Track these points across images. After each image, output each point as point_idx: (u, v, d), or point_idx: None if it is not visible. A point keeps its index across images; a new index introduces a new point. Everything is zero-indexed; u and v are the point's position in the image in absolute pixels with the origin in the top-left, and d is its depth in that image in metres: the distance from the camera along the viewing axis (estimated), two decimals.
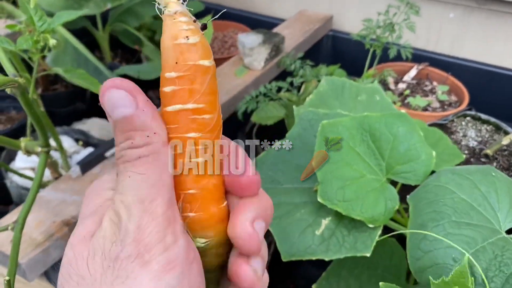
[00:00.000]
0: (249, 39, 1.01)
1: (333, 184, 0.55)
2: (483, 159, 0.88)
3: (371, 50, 0.98)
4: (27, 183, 0.84)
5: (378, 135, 0.57)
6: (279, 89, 0.91)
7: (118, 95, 0.25)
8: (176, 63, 0.25)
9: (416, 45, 1.19)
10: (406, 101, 1.01)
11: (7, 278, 0.42)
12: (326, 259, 0.53)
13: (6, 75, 0.45)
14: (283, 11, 1.34)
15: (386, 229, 0.63)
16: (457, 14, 1.11)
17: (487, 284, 0.39)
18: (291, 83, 0.92)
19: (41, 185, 0.80)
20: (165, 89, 0.25)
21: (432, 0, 1.11)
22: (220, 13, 0.37)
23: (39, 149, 0.54)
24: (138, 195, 0.24)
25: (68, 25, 1.12)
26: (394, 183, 0.59)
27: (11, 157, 0.90)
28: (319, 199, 0.54)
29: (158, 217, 0.24)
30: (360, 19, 1.00)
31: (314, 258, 0.53)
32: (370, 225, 0.52)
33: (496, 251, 0.46)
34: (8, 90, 0.41)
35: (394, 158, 0.56)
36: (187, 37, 0.25)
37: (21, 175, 0.80)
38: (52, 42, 0.50)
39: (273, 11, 1.37)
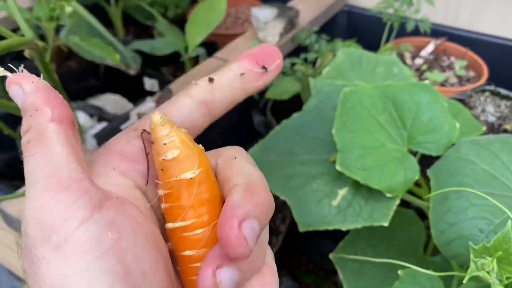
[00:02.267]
0: (263, 13, 0.99)
1: (352, 152, 0.54)
2: (502, 135, 0.86)
3: (388, 24, 0.96)
4: None
5: (401, 104, 0.56)
6: (293, 66, 0.90)
7: (13, 91, 0.24)
8: (164, 181, 0.24)
9: (435, 20, 1.16)
10: (423, 76, 0.99)
11: None
12: (343, 229, 0.52)
13: None
14: None
15: (404, 203, 0.63)
16: None
17: None
18: (305, 59, 0.90)
19: None
20: (161, 206, 0.25)
21: None
22: None
23: None
24: (33, 178, 0.22)
25: (81, 1, 1.11)
26: (414, 154, 0.58)
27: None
28: (337, 167, 0.53)
29: (58, 194, 0.21)
30: None
31: (331, 228, 0.53)
32: (388, 195, 0.52)
33: None
34: (26, 53, 0.41)
35: (416, 128, 0.55)
36: (165, 152, 0.24)
37: None
38: (68, 9, 0.50)
39: None
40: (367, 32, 1.18)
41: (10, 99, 0.25)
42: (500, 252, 0.35)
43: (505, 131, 0.86)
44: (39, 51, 0.43)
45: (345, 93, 0.57)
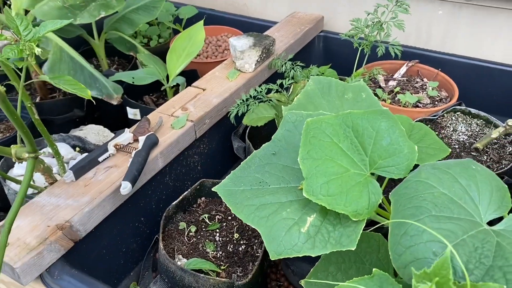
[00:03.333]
0: (240, 42, 1.03)
1: (318, 179, 0.56)
2: (473, 153, 0.89)
3: (360, 49, 0.99)
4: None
5: (361, 131, 0.58)
6: (269, 91, 0.92)
7: None
8: None
9: (407, 43, 1.20)
10: (396, 98, 1.02)
11: None
12: (313, 255, 0.54)
13: None
14: (276, 14, 1.35)
15: (374, 223, 0.64)
16: (446, 11, 1.12)
17: (467, 276, 0.40)
18: (281, 85, 0.93)
19: (38, 191, 0.82)
20: None
21: None
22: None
23: (26, 155, 0.55)
24: None
25: (64, 34, 1.14)
26: (381, 178, 0.60)
27: (9, 164, 0.92)
28: (304, 194, 0.55)
29: None
30: (351, 17, 1.01)
31: (301, 255, 0.54)
32: (354, 219, 0.53)
33: (477, 244, 0.46)
34: None
35: (377, 153, 0.57)
36: None
37: (17, 181, 0.81)
38: (37, 50, 0.52)
39: (266, 15, 1.38)
40: (343, 55, 1.21)
41: None
42: (438, 278, 0.37)
43: (476, 149, 0.88)
44: (2, 96, 0.45)
45: (307, 123, 0.59)
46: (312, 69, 1.05)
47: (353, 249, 0.52)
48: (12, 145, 0.58)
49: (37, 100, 1.16)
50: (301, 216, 0.57)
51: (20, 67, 0.54)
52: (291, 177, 0.63)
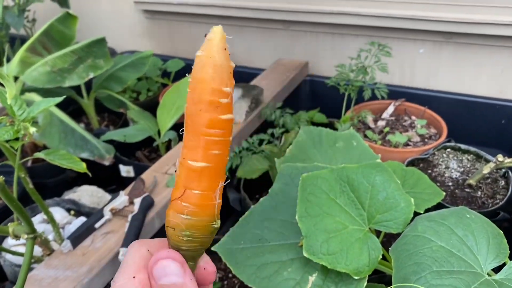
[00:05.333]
0: None
1: (317, 237, 0.56)
2: (467, 189, 0.90)
3: (347, 93, 1.01)
4: (20, 260, 0.84)
5: (357, 185, 0.59)
6: (261, 142, 0.93)
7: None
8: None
9: (393, 82, 1.23)
10: (386, 139, 1.04)
11: None
12: None
13: None
14: (261, 61, 1.39)
15: (377, 272, 0.64)
16: (427, 49, 1.15)
17: None
18: (272, 134, 0.94)
19: (35, 260, 0.80)
20: None
21: (401, 38, 1.16)
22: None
23: (25, 236, 0.55)
24: None
25: (53, 96, 1.15)
26: (378, 231, 0.60)
27: (4, 235, 0.91)
28: (304, 254, 0.55)
29: None
30: (335, 62, 1.04)
31: None
32: (356, 277, 0.53)
33: None
34: None
35: (374, 207, 0.58)
36: None
37: (13, 253, 0.80)
38: (32, 130, 0.52)
39: (251, 62, 1.41)
40: (330, 98, 1.23)
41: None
42: None
43: (470, 186, 0.89)
44: (1, 185, 0.45)
45: (303, 178, 0.60)
46: (301, 115, 1.07)
47: None
48: (9, 223, 0.58)
49: (29, 164, 1.15)
50: (302, 276, 0.57)
51: (16, 148, 0.54)
52: (290, 233, 0.63)
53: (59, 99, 0.55)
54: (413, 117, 1.11)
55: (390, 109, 1.12)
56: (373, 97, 1.07)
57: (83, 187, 1.09)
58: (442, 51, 1.13)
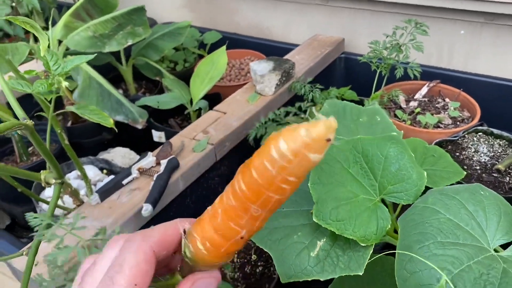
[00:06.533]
0: (260, 67, 1.06)
1: (327, 204, 0.57)
2: (495, 174, 0.88)
3: (378, 71, 1.00)
4: (56, 211, 0.90)
5: (370, 156, 0.60)
6: (288, 114, 0.94)
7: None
8: None
9: (429, 63, 1.20)
10: (416, 119, 1.02)
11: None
12: (322, 279, 0.55)
13: (17, 118, 0.51)
14: (298, 37, 1.38)
15: (389, 246, 0.65)
16: (468, 31, 1.12)
17: None
18: (299, 108, 0.95)
19: (68, 212, 0.86)
20: None
21: (440, 18, 1.12)
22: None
23: (53, 181, 0.59)
24: None
25: (94, 62, 1.20)
26: (396, 204, 0.60)
27: (42, 187, 0.97)
28: (314, 219, 0.56)
29: None
30: (372, 40, 1.03)
31: (310, 279, 0.55)
32: (362, 244, 0.54)
33: (482, 270, 0.46)
34: (19, 132, 0.47)
35: (386, 178, 0.58)
36: None
37: (48, 203, 0.86)
38: (64, 84, 0.56)
39: (288, 38, 1.41)
40: (364, 77, 1.22)
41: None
42: None
43: (498, 170, 0.87)
44: (30, 129, 0.49)
45: None
46: (331, 91, 1.07)
47: (361, 273, 0.53)
48: (41, 171, 0.62)
49: (69, 124, 1.22)
50: (311, 240, 0.58)
51: (49, 100, 0.58)
52: (304, 201, 0.64)
53: (90, 57, 0.58)
54: (447, 100, 1.09)
55: (424, 90, 1.10)
56: (405, 78, 1.05)
57: (117, 148, 1.14)
58: (482, 33, 1.09)
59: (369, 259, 0.66)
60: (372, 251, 0.55)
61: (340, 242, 0.57)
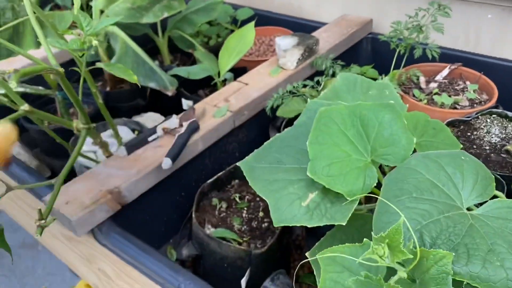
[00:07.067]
0: (284, 41, 1.11)
1: (321, 161, 0.63)
2: (503, 155, 0.90)
3: (398, 50, 1.03)
4: (88, 163, 1.00)
5: (367, 121, 0.64)
6: (305, 87, 1.00)
7: None
8: None
9: (455, 46, 1.21)
10: (433, 100, 1.04)
11: (39, 208, 0.55)
12: (309, 226, 0.61)
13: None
14: (328, 16, 1.42)
15: None
16: (495, 15, 1.12)
17: (417, 244, 0.45)
18: (318, 82, 1.00)
19: (98, 162, 0.96)
20: None
21: (467, 1, 1.13)
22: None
23: (81, 126, 0.68)
24: None
25: (133, 32, 1.29)
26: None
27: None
28: (308, 173, 0.62)
29: None
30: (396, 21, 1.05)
31: (299, 225, 0.61)
32: (349, 198, 0.60)
33: (450, 224, 0.51)
34: (52, 76, 0.55)
35: (378, 142, 0.63)
36: None
37: (84, 156, 0.96)
38: (94, 42, 0.64)
39: (319, 16, 1.45)
40: (388, 58, 1.24)
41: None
42: (388, 240, 0.42)
43: (507, 151, 0.89)
44: (61, 75, 0.57)
45: (320, 112, 0.66)
46: (353, 68, 1.10)
47: (344, 223, 0.59)
48: (74, 120, 0.71)
49: (107, 89, 1.32)
50: (305, 193, 0.64)
51: (81, 55, 0.67)
52: (305, 159, 0.70)
53: (117, 18, 0.66)
54: (468, 82, 1.10)
55: (445, 72, 1.12)
56: (426, 60, 1.07)
57: (149, 113, 1.23)
58: (510, 17, 1.09)
59: (363, 221, 0.71)
60: (356, 205, 0.60)
61: (330, 196, 0.62)
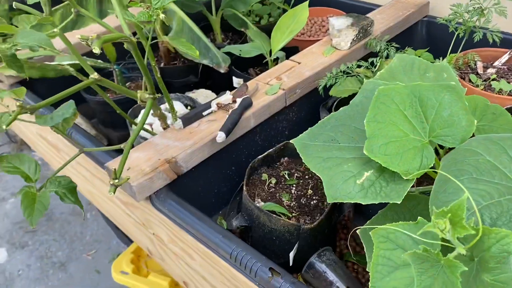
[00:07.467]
0: (338, 22, 1.10)
1: (378, 139, 0.63)
2: None
3: (456, 33, 1.01)
4: (146, 135, 1.04)
5: (426, 101, 0.64)
6: (359, 67, 0.99)
7: None
8: None
9: None
10: (491, 86, 1.02)
11: (114, 168, 0.59)
12: (363, 203, 0.62)
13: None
14: None
15: None
16: None
17: (480, 221, 0.46)
18: (372, 63, 0.99)
19: (153, 134, 1.00)
20: None
21: None
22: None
23: (146, 96, 0.71)
24: None
25: (187, 9, 1.32)
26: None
27: (136, 114, 1.12)
28: (364, 151, 0.63)
29: None
30: (455, 3, 1.02)
31: (352, 202, 0.63)
32: (404, 177, 0.60)
33: (511, 206, 0.51)
34: (125, 46, 0.58)
35: (437, 122, 0.63)
36: None
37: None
38: (162, 16, 0.67)
39: None
40: (444, 43, 1.21)
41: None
42: (450, 214, 0.43)
43: None
44: (133, 44, 0.60)
45: (379, 90, 0.66)
46: (407, 51, 1.09)
47: (399, 202, 0.60)
48: (137, 91, 0.75)
49: (162, 65, 1.36)
50: (359, 171, 0.65)
51: (148, 29, 0.70)
52: (360, 138, 0.71)
53: None
54: None
55: (504, 57, 1.08)
56: (485, 45, 1.04)
57: (201, 90, 1.26)
58: None
59: (416, 201, 0.72)
60: (412, 184, 0.61)
61: (385, 175, 0.63)
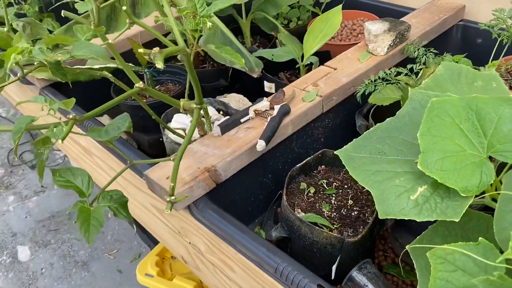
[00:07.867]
0: (375, 27, 1.08)
1: (434, 154, 0.61)
2: None
3: (499, 39, 0.98)
4: (178, 140, 1.03)
5: (483, 115, 0.62)
6: (399, 74, 0.97)
7: None
8: None
9: None
10: None
11: (172, 184, 0.58)
12: (418, 220, 0.60)
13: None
14: (416, 1, 1.36)
15: (486, 208, 0.67)
16: None
17: None
18: (411, 69, 0.97)
19: (190, 142, 0.99)
20: None
21: None
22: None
23: (194, 105, 0.70)
24: None
25: (218, 13, 1.30)
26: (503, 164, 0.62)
27: (168, 119, 1.11)
28: (418, 166, 0.61)
29: None
30: (496, 8, 1.00)
31: (406, 218, 0.61)
32: (463, 194, 0.58)
33: None
34: (179, 57, 0.57)
35: (496, 137, 0.60)
36: None
37: (175, 132, 1.00)
38: (208, 24, 0.66)
39: (405, 1, 1.40)
40: (482, 47, 1.19)
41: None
42: None
43: None
44: (187, 56, 0.59)
45: (432, 102, 0.64)
46: (446, 57, 1.06)
47: (457, 220, 0.57)
48: (181, 99, 0.74)
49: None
50: (412, 186, 0.63)
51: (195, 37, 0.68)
52: (409, 151, 0.69)
53: (233, 1, 0.66)
54: None
55: None
56: None
57: (232, 94, 1.25)
58: None
59: (468, 217, 0.69)
60: (470, 202, 0.59)
61: (440, 191, 0.61)
